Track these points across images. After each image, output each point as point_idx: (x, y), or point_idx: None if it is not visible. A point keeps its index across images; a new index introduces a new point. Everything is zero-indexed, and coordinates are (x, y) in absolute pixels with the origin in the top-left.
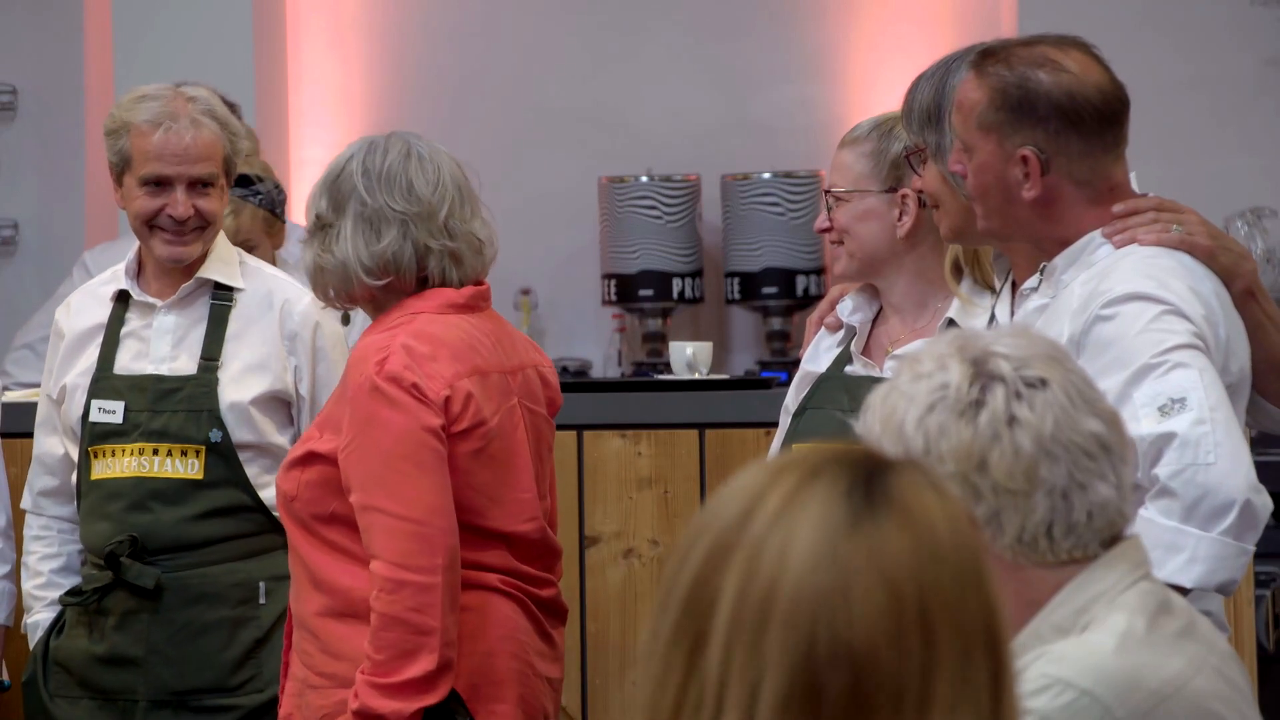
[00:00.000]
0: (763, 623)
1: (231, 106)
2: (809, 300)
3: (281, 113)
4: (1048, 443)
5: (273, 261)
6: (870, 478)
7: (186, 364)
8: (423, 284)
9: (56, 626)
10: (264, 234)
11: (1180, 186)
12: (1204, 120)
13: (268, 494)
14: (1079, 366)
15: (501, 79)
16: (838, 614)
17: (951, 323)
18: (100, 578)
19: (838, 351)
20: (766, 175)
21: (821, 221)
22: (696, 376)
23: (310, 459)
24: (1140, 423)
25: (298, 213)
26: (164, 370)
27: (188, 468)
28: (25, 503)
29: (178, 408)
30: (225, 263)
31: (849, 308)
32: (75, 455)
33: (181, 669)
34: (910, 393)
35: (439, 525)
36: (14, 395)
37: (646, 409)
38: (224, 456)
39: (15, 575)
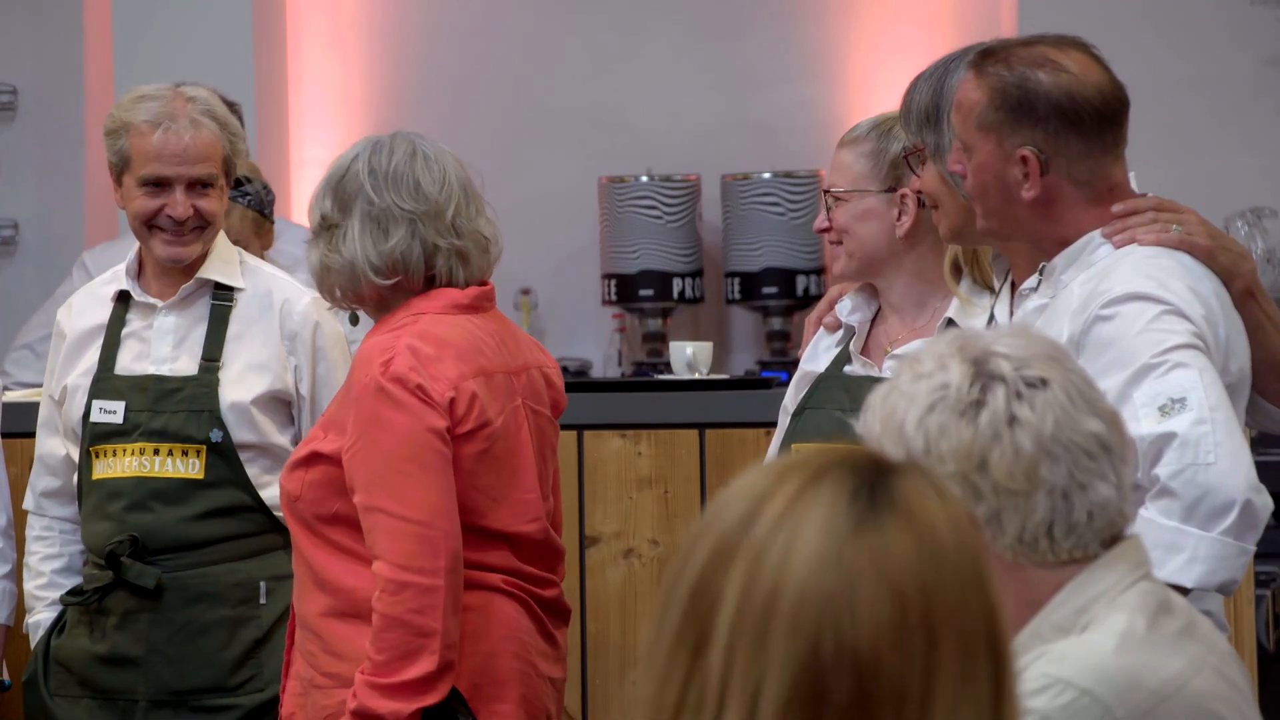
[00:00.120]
0: (765, 625)
1: (231, 106)
2: (809, 300)
3: (281, 113)
4: (1048, 443)
5: None
6: (874, 481)
7: (187, 364)
8: (430, 283)
9: (58, 626)
10: (253, 234)
11: (1180, 186)
12: (1204, 120)
13: (268, 494)
14: (1079, 366)
15: (501, 79)
16: (842, 618)
17: (950, 323)
18: (101, 577)
19: (836, 351)
20: (766, 175)
21: (820, 221)
22: (696, 376)
23: (314, 459)
24: (1140, 423)
25: (298, 212)
26: (165, 371)
27: (188, 467)
28: (27, 503)
29: (178, 408)
30: (226, 262)
31: (848, 308)
32: (76, 456)
33: (182, 668)
34: (910, 393)
35: (442, 527)
36: (14, 395)
37: (646, 409)
38: (224, 456)
39: (16, 575)
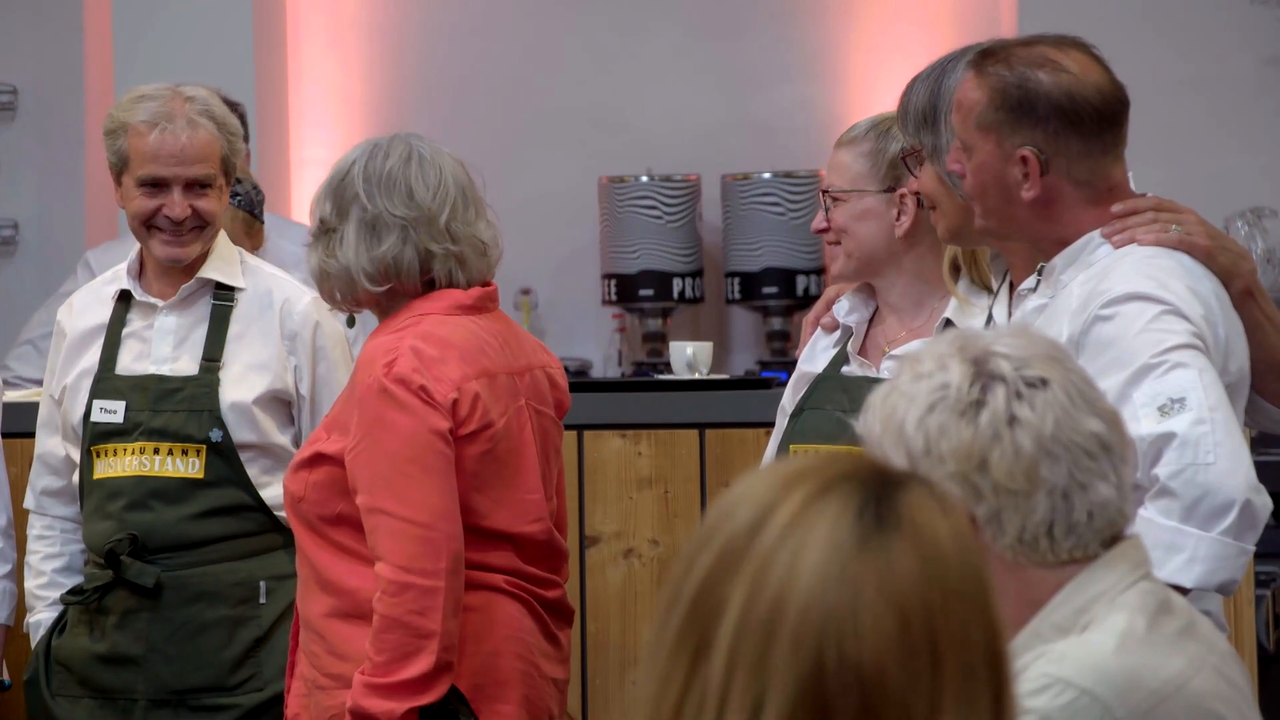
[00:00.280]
0: (768, 636)
1: (234, 106)
2: (809, 300)
3: (281, 113)
4: (1048, 442)
5: None
6: (880, 495)
7: (188, 364)
8: (429, 286)
9: (59, 626)
10: (243, 235)
11: (1180, 186)
12: (1204, 120)
13: (268, 493)
14: (1079, 366)
15: (501, 79)
16: (846, 634)
17: (948, 323)
18: (101, 576)
19: (834, 352)
20: (766, 175)
21: (819, 222)
22: (696, 376)
23: (317, 460)
24: (1140, 423)
25: (298, 213)
26: (165, 370)
27: (188, 467)
28: (28, 502)
29: (178, 407)
30: (226, 262)
31: (845, 308)
32: (76, 456)
33: (181, 668)
34: (911, 393)
35: (444, 529)
36: (15, 395)
37: (646, 409)
38: (224, 456)
39: (16, 575)
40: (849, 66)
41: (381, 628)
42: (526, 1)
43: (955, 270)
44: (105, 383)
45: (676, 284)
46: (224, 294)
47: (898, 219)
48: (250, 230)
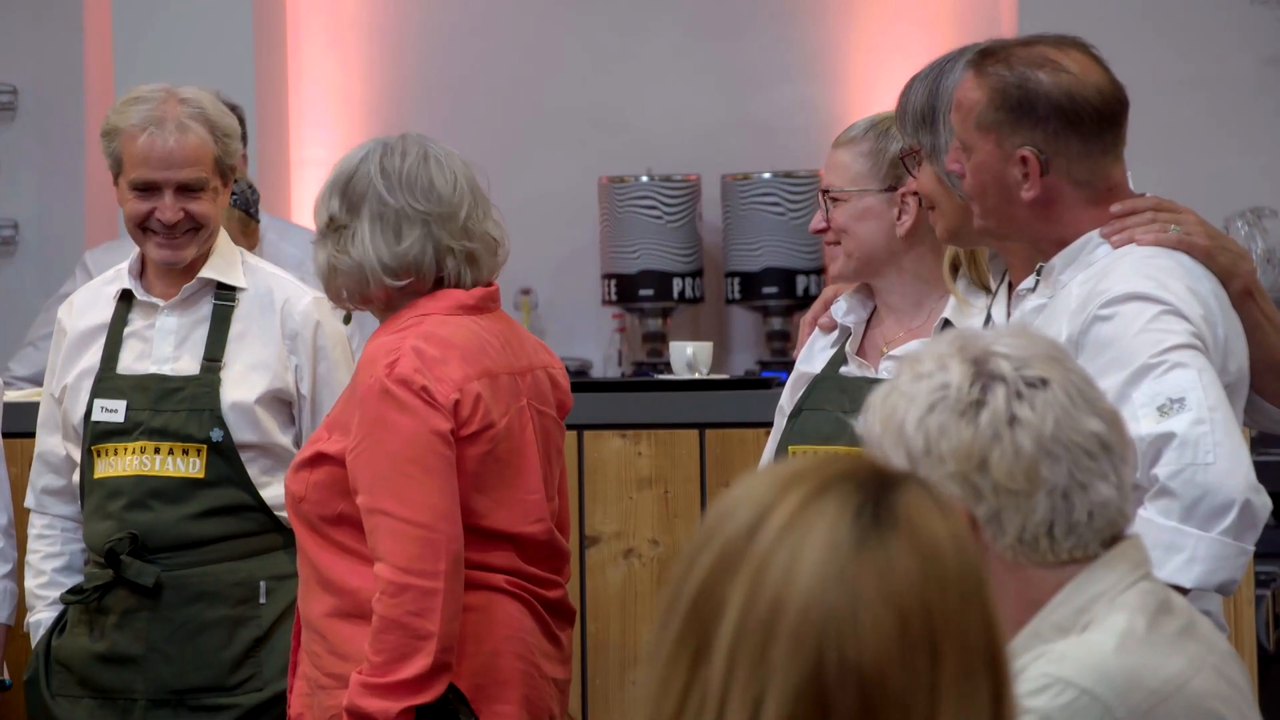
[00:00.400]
0: (767, 637)
1: (232, 108)
2: (809, 300)
3: (281, 113)
4: (1048, 442)
5: None
6: (877, 496)
7: (189, 364)
8: (438, 285)
9: (59, 626)
10: (239, 234)
11: (1180, 186)
12: (1204, 120)
13: (269, 493)
14: (1079, 366)
15: (501, 79)
16: (846, 634)
17: (947, 323)
18: (101, 575)
19: (832, 352)
20: (766, 175)
21: (817, 222)
22: (696, 376)
23: (319, 460)
24: (1139, 423)
25: (298, 212)
26: (167, 370)
27: (189, 466)
28: (29, 501)
29: (179, 407)
30: (227, 262)
31: (843, 309)
32: (76, 455)
33: (181, 667)
34: (911, 393)
35: (444, 530)
36: (14, 395)
37: (646, 409)
38: (225, 456)
39: (17, 574)
40: (849, 66)
41: (380, 628)
42: (526, 1)
43: (954, 270)
44: (106, 382)
45: (676, 284)
46: (225, 294)
47: (899, 218)
48: (246, 229)
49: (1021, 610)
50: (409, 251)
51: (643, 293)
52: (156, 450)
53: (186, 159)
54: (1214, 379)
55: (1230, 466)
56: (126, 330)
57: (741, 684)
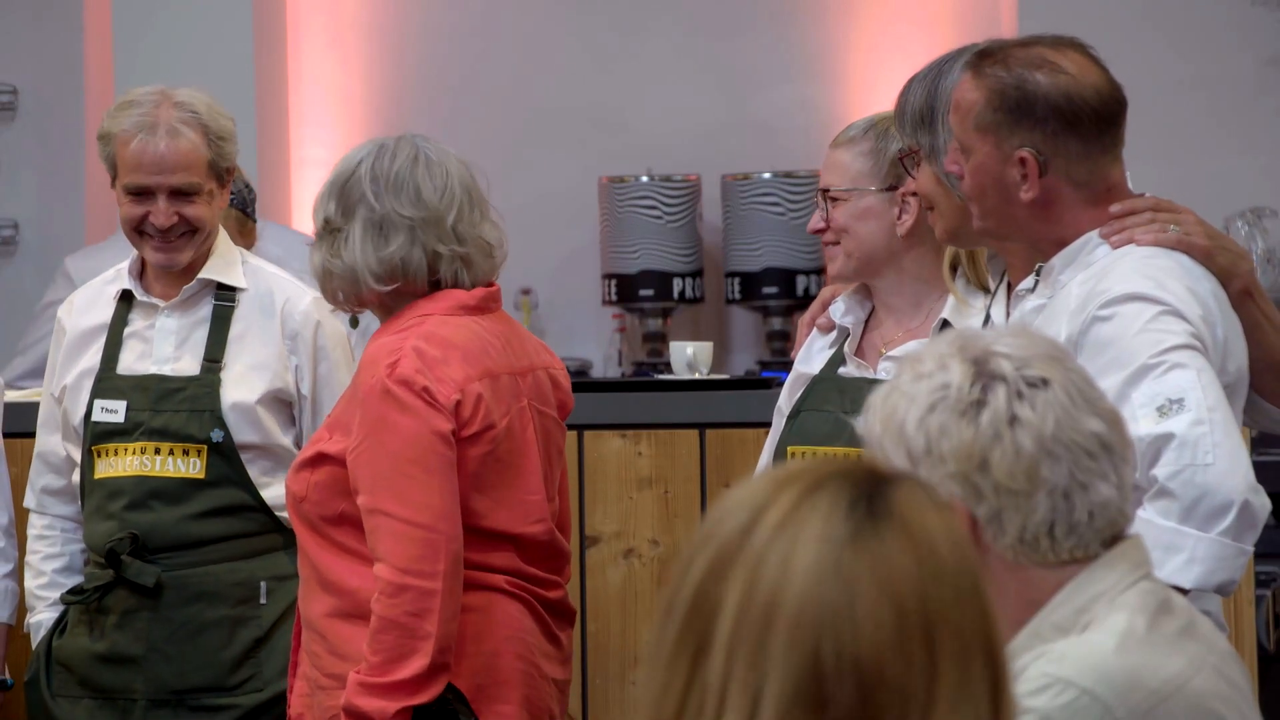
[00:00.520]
0: (765, 633)
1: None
2: (809, 300)
3: (281, 113)
4: (1049, 442)
5: None
6: (871, 492)
7: (189, 365)
8: (435, 287)
9: (59, 626)
10: (236, 233)
11: (1180, 186)
12: (1204, 120)
13: (269, 494)
14: (1080, 366)
15: (501, 79)
16: (843, 627)
17: (945, 324)
18: (101, 576)
19: (830, 353)
20: (766, 175)
21: (816, 222)
22: (696, 376)
23: (320, 460)
24: (1138, 423)
25: (298, 212)
26: (167, 370)
27: (189, 467)
28: (29, 501)
29: (179, 407)
30: (227, 263)
31: (841, 309)
32: (76, 455)
33: (181, 667)
34: (911, 393)
35: (444, 530)
36: (14, 395)
37: (646, 409)
38: (225, 456)
39: (17, 574)
40: (849, 66)
41: (378, 628)
42: (526, 1)
43: (953, 270)
44: (106, 382)
45: (676, 284)
46: (225, 294)
47: (899, 218)
48: (243, 229)
49: (1022, 610)
50: (394, 256)
51: (643, 293)
52: (157, 450)
53: (178, 164)
54: (1213, 379)
55: (1229, 467)
56: (127, 330)
57: (740, 679)
